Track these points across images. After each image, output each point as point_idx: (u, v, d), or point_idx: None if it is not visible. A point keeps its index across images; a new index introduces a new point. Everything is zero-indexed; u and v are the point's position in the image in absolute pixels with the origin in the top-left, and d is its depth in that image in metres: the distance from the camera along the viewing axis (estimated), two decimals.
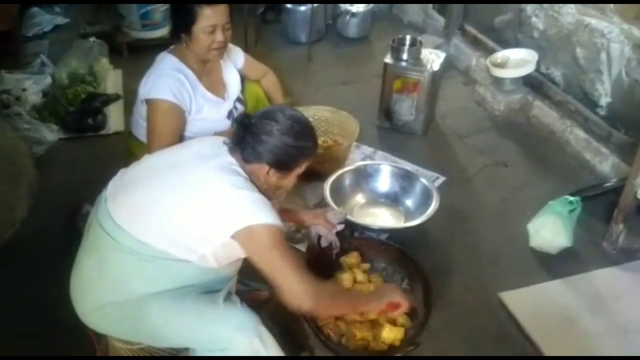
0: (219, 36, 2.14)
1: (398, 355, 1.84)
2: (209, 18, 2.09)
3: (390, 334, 1.86)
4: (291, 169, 1.63)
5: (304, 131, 1.61)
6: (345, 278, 2.04)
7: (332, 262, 2.10)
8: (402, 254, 2.14)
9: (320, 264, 2.02)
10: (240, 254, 1.57)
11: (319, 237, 2.11)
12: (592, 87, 2.97)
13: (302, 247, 2.30)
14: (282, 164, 1.60)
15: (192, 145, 1.72)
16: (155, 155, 1.74)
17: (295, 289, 1.52)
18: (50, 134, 3.08)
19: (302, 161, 1.64)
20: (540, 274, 2.31)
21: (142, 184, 1.59)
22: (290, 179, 1.67)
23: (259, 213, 1.49)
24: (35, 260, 2.32)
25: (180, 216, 1.51)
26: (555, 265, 2.34)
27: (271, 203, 1.56)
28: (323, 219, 2.10)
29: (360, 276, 2.07)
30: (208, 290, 1.61)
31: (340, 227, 2.12)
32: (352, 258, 2.13)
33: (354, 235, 2.31)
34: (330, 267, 2.08)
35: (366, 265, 2.14)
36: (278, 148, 1.57)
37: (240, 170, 1.57)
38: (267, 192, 1.62)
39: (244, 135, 1.59)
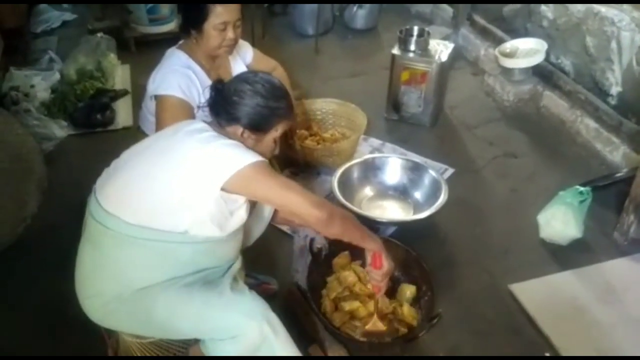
0: (230, 33, 2.13)
1: (420, 335, 1.86)
2: (221, 15, 2.08)
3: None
4: (266, 130, 1.63)
5: (275, 92, 1.62)
6: (349, 275, 2.03)
7: (321, 264, 2.09)
8: (395, 245, 2.13)
9: (313, 267, 2.05)
10: (235, 208, 1.56)
11: (312, 240, 2.12)
12: (602, 76, 2.94)
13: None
14: (255, 125, 1.61)
15: (170, 126, 1.74)
16: (135, 144, 1.74)
17: (310, 205, 1.54)
18: (59, 130, 3.10)
19: (275, 122, 1.64)
20: (550, 265, 2.30)
21: (124, 167, 1.61)
22: (267, 143, 1.67)
23: (240, 156, 1.50)
24: (46, 256, 2.34)
25: (165, 185, 1.51)
26: (566, 256, 2.33)
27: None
28: None
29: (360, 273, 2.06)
30: (211, 278, 1.61)
31: None
32: (343, 258, 2.11)
33: None
34: (321, 271, 2.08)
35: (358, 263, 2.12)
36: (250, 108, 1.59)
37: (211, 130, 1.58)
38: None
39: (217, 99, 1.62)
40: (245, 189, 1.53)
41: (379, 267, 1.79)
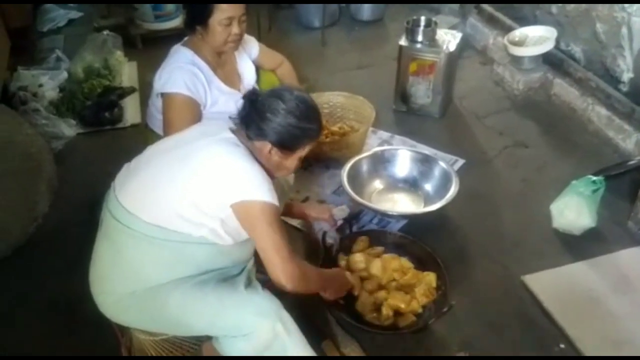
0: (235, 29, 2.13)
1: (430, 322, 1.88)
2: (226, 11, 2.08)
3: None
4: (294, 149, 1.63)
5: (309, 112, 1.60)
6: (358, 259, 2.06)
7: (333, 259, 2.10)
8: (402, 239, 2.18)
9: (326, 261, 2.06)
10: None
11: (324, 233, 2.13)
12: (613, 62, 2.90)
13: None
14: (284, 144, 1.59)
15: (197, 126, 1.75)
16: (159, 141, 1.75)
17: (283, 270, 1.53)
18: (68, 128, 3.10)
19: (305, 143, 1.63)
20: (564, 256, 2.28)
21: (146, 167, 1.61)
22: (293, 161, 1.66)
23: (257, 188, 1.50)
24: (58, 254, 2.35)
25: (184, 191, 1.51)
26: (579, 246, 2.30)
27: (271, 181, 1.56)
28: (328, 215, 2.18)
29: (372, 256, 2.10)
30: (226, 276, 1.62)
31: (339, 223, 2.22)
32: (361, 243, 2.16)
33: (352, 231, 2.30)
34: (331, 265, 2.07)
35: (379, 249, 2.15)
36: (282, 127, 1.57)
37: (239, 143, 1.57)
38: (269, 171, 1.62)
39: (250, 111, 1.59)
40: (243, 219, 1.53)
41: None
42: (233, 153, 1.53)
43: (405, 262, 2.08)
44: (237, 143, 1.56)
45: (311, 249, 2.24)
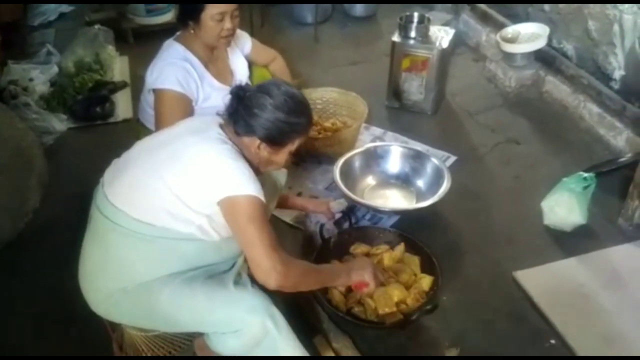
0: (228, 24, 2.12)
1: (413, 318, 1.85)
2: (218, 5, 2.07)
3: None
4: (283, 144, 1.62)
5: (297, 107, 1.60)
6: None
7: (331, 251, 2.09)
8: (401, 237, 2.16)
9: (322, 253, 2.05)
10: None
11: (322, 226, 2.13)
12: (605, 60, 2.91)
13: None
14: (273, 139, 1.59)
15: (186, 122, 1.74)
16: (148, 137, 1.74)
17: (265, 265, 1.49)
18: (59, 123, 3.08)
19: (294, 137, 1.63)
20: (555, 252, 2.29)
21: (135, 164, 1.60)
22: (282, 155, 1.66)
23: (241, 183, 1.49)
24: (49, 250, 2.33)
25: (172, 188, 1.50)
26: (570, 242, 2.32)
27: (254, 174, 1.54)
28: (325, 208, 2.18)
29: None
30: (216, 272, 1.62)
31: (337, 217, 2.22)
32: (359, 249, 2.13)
33: (351, 225, 2.29)
34: (331, 256, 2.07)
35: (383, 247, 2.13)
36: (270, 122, 1.56)
37: (227, 140, 1.56)
38: (258, 166, 1.62)
39: (237, 107, 1.59)
40: (228, 215, 1.52)
41: (362, 288, 1.83)
42: (219, 151, 1.52)
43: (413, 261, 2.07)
44: (224, 140, 1.55)
45: (307, 241, 2.23)
